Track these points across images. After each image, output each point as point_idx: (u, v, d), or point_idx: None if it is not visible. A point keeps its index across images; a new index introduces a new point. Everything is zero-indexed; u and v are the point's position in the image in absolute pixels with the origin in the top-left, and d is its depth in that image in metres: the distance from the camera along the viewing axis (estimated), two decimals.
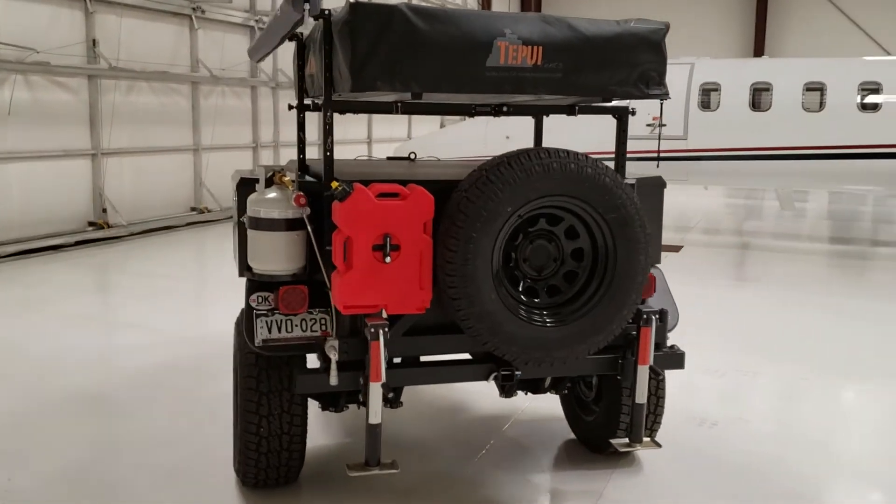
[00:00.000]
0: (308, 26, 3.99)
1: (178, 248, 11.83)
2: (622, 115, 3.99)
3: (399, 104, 3.70)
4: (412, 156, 5.30)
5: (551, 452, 4.67)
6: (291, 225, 3.58)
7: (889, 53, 22.51)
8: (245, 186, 4.54)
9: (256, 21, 15.24)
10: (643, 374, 3.71)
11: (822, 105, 11.71)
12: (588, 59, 3.50)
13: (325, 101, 3.60)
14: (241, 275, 3.85)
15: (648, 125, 11.97)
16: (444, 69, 3.34)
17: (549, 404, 4.96)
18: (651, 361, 3.70)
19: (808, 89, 11.81)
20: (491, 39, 3.36)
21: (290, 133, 16.19)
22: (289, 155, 17.79)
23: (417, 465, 4.43)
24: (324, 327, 3.73)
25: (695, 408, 5.24)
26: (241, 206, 4.69)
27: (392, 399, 4.14)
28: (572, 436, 4.83)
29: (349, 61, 3.29)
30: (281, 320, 3.71)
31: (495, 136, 13.06)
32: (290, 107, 4.50)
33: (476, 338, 3.35)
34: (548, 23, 3.44)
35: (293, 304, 3.70)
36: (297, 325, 3.72)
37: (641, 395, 3.73)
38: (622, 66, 3.56)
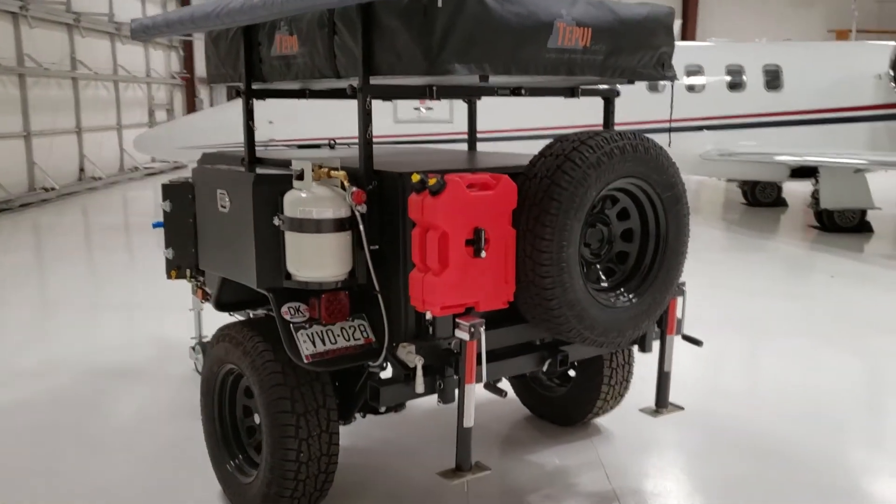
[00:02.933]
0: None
1: None
2: (610, 98, 4.10)
3: (434, 88, 3.48)
4: (332, 143, 5.00)
5: (524, 432, 4.71)
6: (343, 225, 3.23)
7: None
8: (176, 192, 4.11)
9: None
10: (671, 343, 3.89)
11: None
12: (624, 42, 3.56)
13: (364, 85, 3.27)
14: (260, 285, 3.38)
15: (415, 108, 12.19)
16: (514, 50, 3.20)
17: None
18: (678, 331, 3.89)
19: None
20: (552, 20, 3.28)
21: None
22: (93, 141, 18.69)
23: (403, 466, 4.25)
24: (365, 334, 3.43)
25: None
26: (182, 211, 4.23)
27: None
28: (525, 413, 4.92)
29: (425, 43, 3.03)
30: (322, 331, 3.35)
31: (257, 121, 12.49)
32: (237, 93, 4.06)
33: (561, 326, 3.28)
34: (592, 5, 3.44)
35: (336, 313, 3.36)
36: (338, 335, 3.38)
37: (668, 364, 3.91)
38: (648, 49, 3.67)
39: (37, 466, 4.28)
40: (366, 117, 3.30)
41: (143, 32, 4.41)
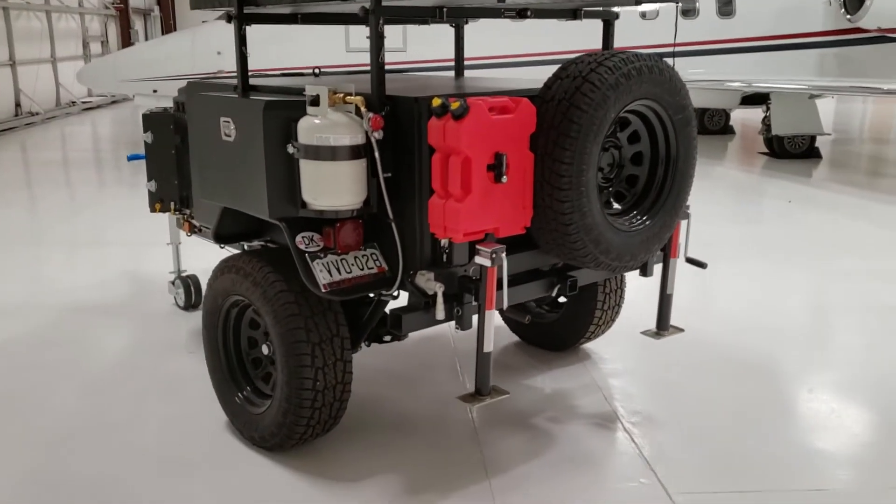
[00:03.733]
0: None
1: None
2: (610, 20, 4.08)
3: (445, 9, 3.41)
4: (316, 71, 4.88)
5: (517, 358, 4.78)
6: (359, 152, 3.17)
7: None
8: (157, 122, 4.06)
9: None
10: (674, 266, 3.96)
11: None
12: None
13: (377, 6, 3.18)
14: (272, 215, 3.31)
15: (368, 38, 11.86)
16: None
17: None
18: (681, 254, 3.96)
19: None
20: None
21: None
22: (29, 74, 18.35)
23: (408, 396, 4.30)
24: (378, 263, 3.41)
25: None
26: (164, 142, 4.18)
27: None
28: (514, 340, 5.00)
29: None
30: (336, 261, 3.32)
31: (204, 51, 12.14)
32: (229, 18, 3.92)
33: (578, 251, 3.30)
34: None
35: (351, 242, 3.33)
36: (353, 265, 3.36)
37: (671, 287, 3.99)
38: None
39: (42, 403, 4.19)
40: (378, 40, 3.22)
41: None
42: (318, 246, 3.33)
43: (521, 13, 3.72)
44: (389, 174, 3.26)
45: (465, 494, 3.37)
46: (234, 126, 3.42)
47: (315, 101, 3.13)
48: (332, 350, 3.42)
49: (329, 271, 3.29)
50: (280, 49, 11.91)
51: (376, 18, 3.19)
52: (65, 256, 7.23)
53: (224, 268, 3.69)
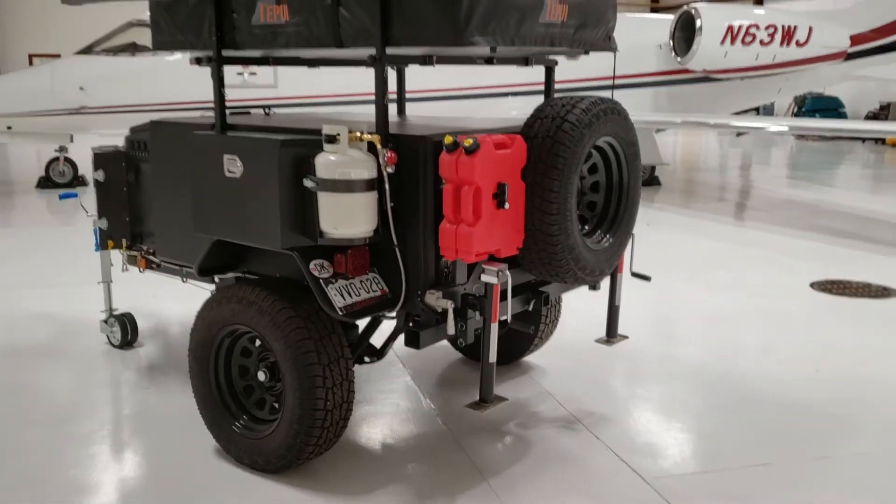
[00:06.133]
0: None
1: None
2: (552, 67, 4.58)
3: (434, 57, 3.76)
4: (267, 111, 5.10)
5: (466, 375, 5.15)
6: (372, 185, 3.47)
7: None
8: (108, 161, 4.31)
9: None
10: (620, 280, 4.48)
11: None
12: (588, 17, 4.02)
13: (382, 55, 3.50)
14: (284, 245, 3.52)
15: (238, 73, 11.96)
16: (518, 24, 3.57)
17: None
18: (627, 270, 4.49)
19: None
20: None
21: None
22: None
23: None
24: (380, 286, 3.71)
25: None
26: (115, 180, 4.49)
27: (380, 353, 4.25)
28: (457, 357, 5.38)
29: (453, 18, 3.31)
30: (347, 285, 3.59)
31: (65, 87, 11.76)
32: (210, 59, 4.09)
33: (561, 268, 3.74)
34: None
35: (361, 267, 3.62)
36: (360, 288, 3.64)
37: (618, 298, 4.50)
38: (601, 23, 4.16)
39: (9, 451, 4.10)
40: (382, 85, 3.53)
41: None
42: (329, 272, 3.58)
43: (488, 60, 4.15)
44: (392, 204, 3.57)
45: (471, 495, 3.69)
46: (242, 163, 3.61)
47: (332, 139, 3.41)
48: (339, 370, 3.66)
49: (342, 295, 3.55)
50: (147, 86, 11.77)
51: (381, 65, 3.51)
52: None
53: (221, 298, 3.83)
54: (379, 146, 3.45)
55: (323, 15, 3.63)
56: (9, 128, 11.72)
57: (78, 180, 13.11)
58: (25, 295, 6.86)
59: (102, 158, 4.78)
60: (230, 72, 12.00)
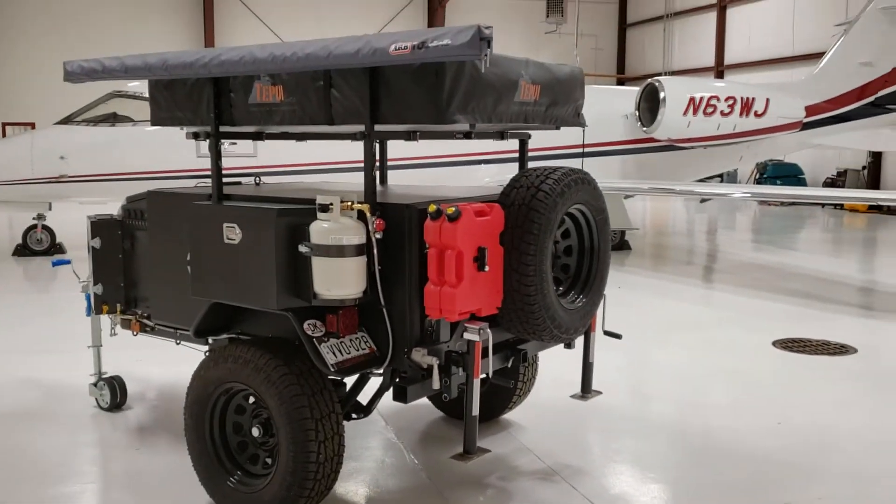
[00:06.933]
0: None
1: None
2: (525, 140, 4.92)
3: (417, 133, 4.08)
4: (257, 180, 5.37)
5: (447, 431, 5.36)
6: (362, 249, 3.74)
7: None
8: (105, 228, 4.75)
9: None
10: (593, 338, 4.75)
11: None
12: (558, 96, 4.39)
13: (371, 131, 3.81)
14: (280, 306, 3.77)
15: None
16: (495, 103, 3.91)
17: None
18: (599, 329, 4.76)
19: None
20: (517, 79, 4.04)
21: None
22: None
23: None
24: (368, 345, 3.95)
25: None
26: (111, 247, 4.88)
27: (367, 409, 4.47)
28: (438, 415, 5.59)
29: (436, 98, 3.62)
30: (338, 343, 3.83)
31: (45, 155, 11.99)
32: (207, 134, 4.37)
33: (538, 326, 4.01)
34: (538, 66, 4.23)
35: (351, 326, 3.86)
36: (350, 346, 3.88)
37: (592, 356, 4.77)
38: (571, 101, 4.53)
39: None
40: (370, 158, 3.84)
41: (84, 75, 4.54)
42: (321, 331, 3.83)
43: (466, 135, 4.48)
44: (380, 267, 3.84)
45: None
46: (240, 230, 3.88)
47: (326, 208, 3.69)
48: (330, 424, 3.87)
49: (333, 353, 3.79)
50: (123, 155, 12.04)
51: (371, 141, 3.82)
52: None
53: (218, 358, 4.05)
54: (368, 214, 3.74)
55: (315, 95, 3.94)
56: None
57: (56, 248, 13.22)
58: (10, 360, 6.98)
59: (99, 226, 5.01)
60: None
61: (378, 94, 3.76)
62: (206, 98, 4.29)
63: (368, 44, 3.47)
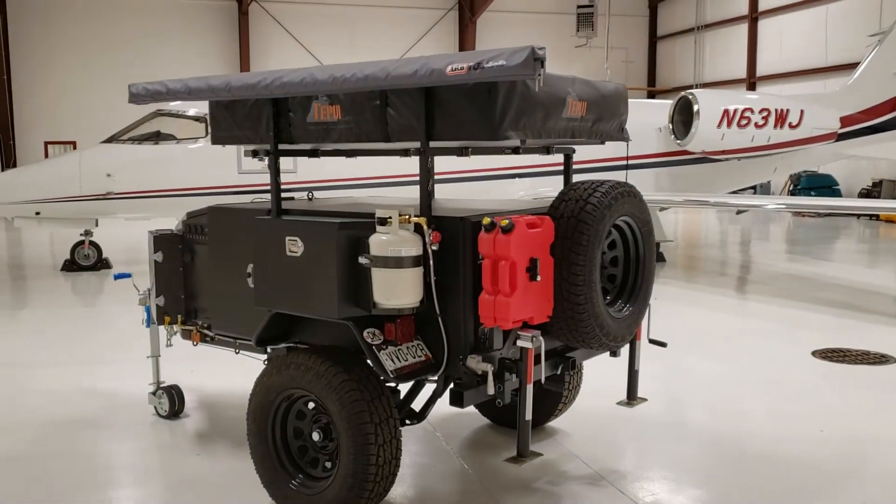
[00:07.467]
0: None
1: None
2: (570, 154, 5.08)
3: (469, 149, 4.26)
4: (310, 195, 5.57)
5: (495, 438, 5.51)
6: (419, 261, 3.92)
7: None
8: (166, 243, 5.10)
9: None
10: (639, 346, 4.89)
11: None
12: (603, 112, 4.55)
13: (427, 148, 4.00)
14: (341, 315, 3.96)
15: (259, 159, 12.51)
16: (544, 120, 4.08)
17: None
18: (644, 337, 4.90)
19: None
20: (565, 96, 4.21)
21: None
22: None
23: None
24: (424, 352, 4.12)
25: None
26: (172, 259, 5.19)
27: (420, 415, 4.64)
28: (485, 423, 5.74)
29: (489, 116, 3.81)
30: (395, 351, 4.01)
31: (92, 173, 12.34)
32: (268, 153, 4.58)
33: (587, 335, 4.16)
34: (584, 83, 4.40)
35: (408, 334, 4.04)
36: (407, 354, 4.05)
37: (637, 363, 4.91)
38: (615, 117, 4.69)
39: None
40: (426, 174, 4.03)
41: (149, 97, 4.78)
42: (380, 339, 4.01)
43: (514, 150, 4.65)
44: (436, 277, 4.02)
45: None
46: (303, 243, 4.08)
47: (384, 221, 3.88)
48: (388, 429, 4.05)
49: (392, 360, 3.96)
50: (166, 172, 12.37)
51: (426, 157, 4.01)
52: (27, 376, 7.24)
53: (280, 365, 4.24)
54: (425, 227, 3.92)
55: (372, 114, 4.14)
56: (37, 213, 12.27)
57: (102, 263, 13.57)
58: (69, 372, 7.24)
59: (161, 241, 5.25)
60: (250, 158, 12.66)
61: (433, 112, 3.95)
62: (266, 117, 4.51)
63: (426, 65, 3.66)
